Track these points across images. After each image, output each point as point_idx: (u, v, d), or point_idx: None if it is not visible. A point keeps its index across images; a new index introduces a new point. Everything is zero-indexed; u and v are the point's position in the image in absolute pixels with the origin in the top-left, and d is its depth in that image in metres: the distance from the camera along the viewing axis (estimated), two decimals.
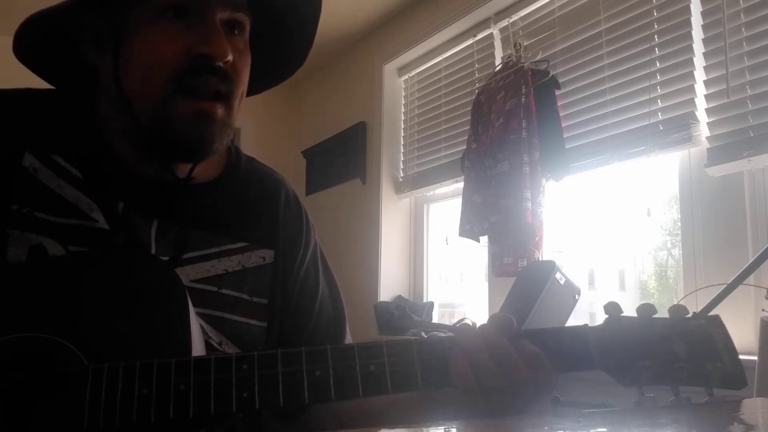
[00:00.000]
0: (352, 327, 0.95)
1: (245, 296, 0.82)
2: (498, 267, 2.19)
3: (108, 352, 0.60)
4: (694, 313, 0.62)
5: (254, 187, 0.89)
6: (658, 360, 0.59)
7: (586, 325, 0.62)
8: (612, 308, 0.63)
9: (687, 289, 1.79)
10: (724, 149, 1.66)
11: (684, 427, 0.51)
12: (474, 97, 2.45)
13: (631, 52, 1.94)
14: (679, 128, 1.77)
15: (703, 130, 1.74)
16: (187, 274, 0.77)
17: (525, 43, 2.31)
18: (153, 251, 0.76)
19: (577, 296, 1.85)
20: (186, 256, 0.78)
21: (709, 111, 1.72)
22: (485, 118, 2.32)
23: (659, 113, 1.84)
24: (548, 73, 2.15)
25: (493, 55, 2.53)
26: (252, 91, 0.82)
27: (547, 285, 1.79)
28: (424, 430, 0.56)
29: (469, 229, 2.34)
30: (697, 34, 1.76)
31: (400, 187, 3.02)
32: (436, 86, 2.85)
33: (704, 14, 1.75)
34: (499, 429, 0.51)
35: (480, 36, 2.59)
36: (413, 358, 0.60)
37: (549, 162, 2.10)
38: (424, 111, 2.92)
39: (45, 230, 0.72)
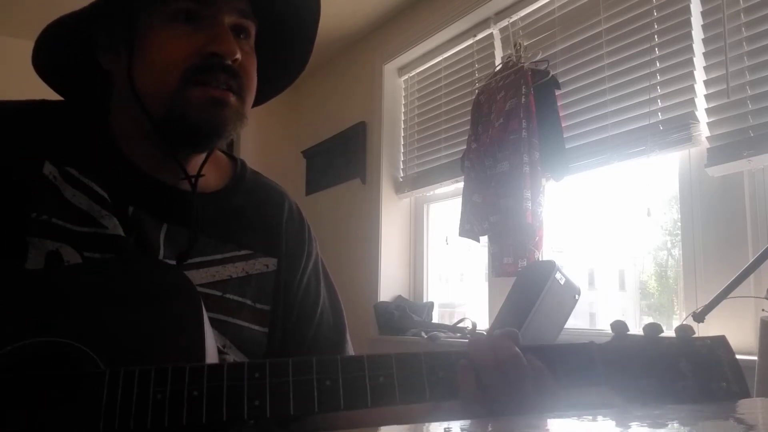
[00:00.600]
0: (352, 327, 0.98)
1: (248, 302, 0.84)
2: (498, 267, 2.19)
3: (124, 356, 0.62)
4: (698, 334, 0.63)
5: (259, 198, 0.92)
6: (664, 379, 0.60)
7: (592, 342, 0.63)
8: (618, 327, 0.64)
9: (687, 289, 1.79)
10: (724, 149, 1.67)
11: (684, 427, 0.51)
12: (474, 97, 2.45)
13: (631, 52, 1.94)
14: (679, 128, 1.77)
15: (703, 130, 1.74)
16: (192, 278, 0.78)
17: (525, 43, 2.32)
18: (161, 254, 0.79)
19: (577, 296, 1.85)
20: (192, 260, 0.80)
21: (709, 111, 1.72)
22: (485, 118, 2.32)
23: (659, 113, 1.84)
24: (548, 73, 2.15)
25: (493, 55, 2.53)
26: (254, 101, 0.85)
27: (547, 285, 1.79)
28: (424, 430, 0.56)
29: (469, 229, 2.34)
30: (697, 34, 1.76)
31: (400, 187, 3.02)
32: (436, 86, 2.85)
33: (704, 14, 1.75)
34: (499, 429, 0.51)
35: (480, 36, 2.59)
36: (422, 371, 0.61)
37: (549, 162, 2.10)
38: (424, 111, 2.93)
39: (62, 237, 0.74)
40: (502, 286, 2.18)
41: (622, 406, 0.59)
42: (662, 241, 2.20)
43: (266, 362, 0.59)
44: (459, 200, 2.41)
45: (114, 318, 0.65)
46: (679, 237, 1.86)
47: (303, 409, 0.58)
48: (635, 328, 0.63)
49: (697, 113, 1.75)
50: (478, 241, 2.36)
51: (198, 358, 0.64)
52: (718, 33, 1.70)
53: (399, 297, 2.93)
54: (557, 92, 2.15)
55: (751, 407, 0.62)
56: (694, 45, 1.76)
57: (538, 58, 2.22)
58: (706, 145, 1.72)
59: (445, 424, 0.52)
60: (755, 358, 1.24)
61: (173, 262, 0.79)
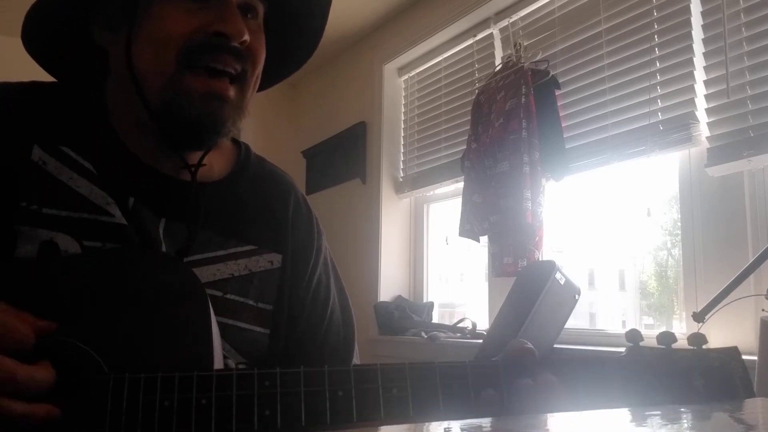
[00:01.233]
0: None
1: (250, 302, 0.80)
2: (498, 267, 2.19)
3: (127, 357, 0.59)
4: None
5: (264, 188, 0.87)
6: (678, 394, 0.60)
7: (608, 358, 0.62)
8: (633, 336, 0.63)
9: (687, 289, 1.79)
10: (724, 149, 1.66)
11: (684, 426, 0.51)
12: (474, 97, 2.45)
13: (631, 52, 1.93)
14: (679, 128, 1.77)
15: (703, 130, 1.74)
16: None
17: (525, 43, 2.31)
18: (162, 249, 0.75)
19: (577, 296, 1.84)
20: (193, 258, 0.76)
21: (709, 111, 1.72)
22: (485, 118, 2.32)
23: (659, 113, 1.84)
24: (548, 73, 2.14)
25: (493, 55, 2.53)
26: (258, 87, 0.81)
27: (547, 285, 1.79)
28: (424, 429, 0.56)
29: (469, 229, 2.34)
30: (697, 34, 1.76)
31: (400, 187, 3.02)
32: (436, 86, 2.85)
33: (704, 14, 1.75)
34: (499, 429, 0.51)
35: (480, 36, 2.59)
36: (436, 383, 0.59)
37: (549, 162, 2.10)
38: (424, 111, 2.92)
39: (57, 225, 0.70)
40: (502, 286, 2.18)
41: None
42: (662, 241, 2.20)
43: (277, 372, 0.57)
44: (459, 200, 2.41)
45: (118, 317, 0.61)
46: (679, 237, 1.86)
47: (315, 421, 0.56)
48: (636, 328, 0.62)
49: (697, 113, 1.74)
50: (478, 241, 2.36)
51: (206, 364, 0.61)
52: (718, 33, 1.70)
53: (399, 297, 2.93)
54: (557, 92, 2.15)
55: (751, 407, 0.62)
56: (694, 45, 1.76)
57: (538, 58, 2.22)
58: (706, 145, 1.72)
59: (445, 424, 0.52)
60: (755, 358, 1.24)
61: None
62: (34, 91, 0.78)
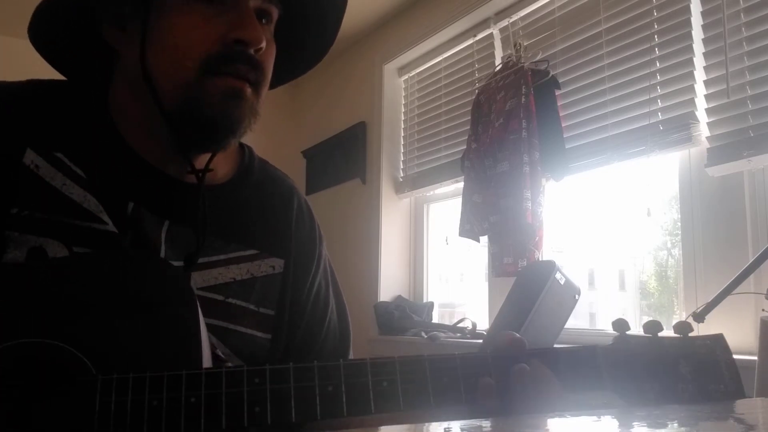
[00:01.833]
0: (352, 327, 0.94)
1: (252, 306, 0.79)
2: (498, 267, 2.19)
3: (114, 358, 0.58)
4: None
5: (267, 192, 0.87)
6: (665, 381, 0.61)
7: (597, 347, 0.63)
8: (620, 325, 0.64)
9: (687, 289, 1.79)
10: (724, 149, 1.66)
11: (684, 427, 0.51)
12: (474, 97, 2.45)
13: (631, 52, 1.94)
14: (679, 128, 1.77)
15: (703, 130, 1.74)
16: (194, 281, 0.75)
17: (525, 43, 2.32)
18: (163, 254, 0.73)
19: (577, 296, 1.84)
20: (201, 261, 0.75)
21: (709, 111, 1.72)
22: (485, 118, 2.32)
23: (659, 113, 1.84)
24: (548, 73, 2.15)
25: (493, 55, 2.53)
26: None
27: (547, 285, 1.79)
28: (424, 430, 0.56)
29: (469, 229, 2.34)
30: (697, 34, 1.76)
31: (400, 187, 3.02)
32: (436, 86, 2.85)
33: (704, 14, 1.75)
34: (499, 429, 0.51)
35: (480, 36, 2.59)
36: (426, 376, 0.59)
37: (549, 162, 2.10)
38: (424, 111, 2.92)
39: (47, 231, 0.69)
40: (502, 286, 2.18)
41: (624, 407, 0.60)
42: (662, 241, 2.20)
43: (266, 368, 0.57)
44: (459, 200, 2.41)
45: (106, 319, 0.61)
46: (679, 237, 1.86)
47: (305, 416, 0.56)
48: (635, 329, 0.63)
49: (697, 113, 1.74)
50: (478, 241, 2.36)
51: (194, 363, 0.61)
52: (718, 33, 1.70)
53: (399, 297, 2.93)
54: (557, 92, 2.15)
55: (751, 407, 0.62)
56: (694, 45, 1.76)
57: (538, 58, 2.22)
58: (706, 145, 1.72)
59: (445, 424, 0.52)
60: (755, 358, 1.24)
61: (179, 264, 0.73)
62: (31, 91, 0.77)
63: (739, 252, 1.63)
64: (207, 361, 0.65)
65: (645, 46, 1.89)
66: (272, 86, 0.82)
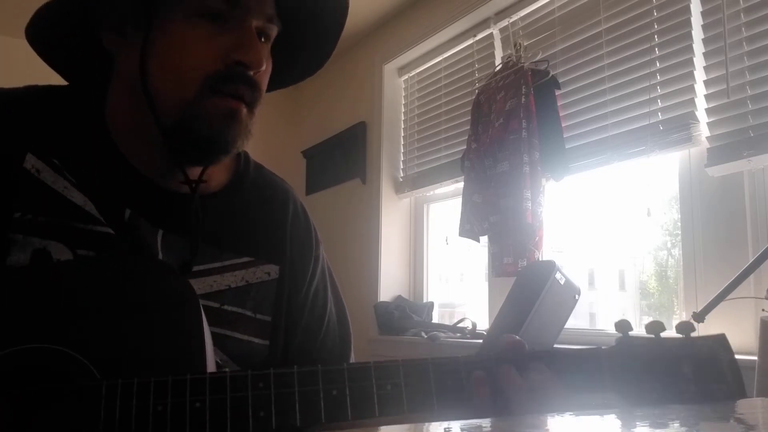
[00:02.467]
0: (352, 327, 0.95)
1: (248, 313, 0.80)
2: (498, 267, 2.19)
3: (118, 363, 0.59)
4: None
5: (262, 198, 0.87)
6: (666, 382, 0.61)
7: (600, 349, 0.63)
8: (622, 326, 0.64)
9: (687, 289, 1.79)
10: (724, 149, 1.67)
11: (684, 427, 0.51)
12: (474, 97, 2.45)
13: (631, 52, 1.94)
14: (679, 128, 1.77)
15: (703, 130, 1.74)
16: None
17: (525, 43, 2.32)
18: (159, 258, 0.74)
19: (577, 296, 1.84)
20: (197, 269, 0.76)
21: (709, 111, 1.72)
22: (485, 118, 2.32)
23: (659, 113, 1.84)
24: (548, 73, 2.15)
25: (493, 55, 2.53)
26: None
27: (547, 285, 1.79)
28: (424, 430, 0.56)
29: (469, 229, 2.34)
30: (697, 34, 1.76)
31: (400, 187, 3.02)
32: (436, 86, 2.85)
33: (704, 14, 1.75)
34: (499, 429, 0.51)
35: (480, 36, 2.59)
36: (429, 379, 0.60)
37: (549, 162, 2.10)
38: (424, 111, 2.93)
39: (50, 234, 0.69)
40: (502, 286, 2.18)
41: (625, 408, 0.60)
42: (662, 241, 2.20)
43: (270, 372, 0.57)
44: (459, 200, 2.41)
45: (110, 324, 0.61)
46: (679, 237, 1.86)
47: (309, 420, 0.56)
48: (636, 328, 0.63)
49: (697, 113, 1.74)
50: (478, 241, 2.36)
51: (198, 366, 0.61)
52: (718, 33, 1.70)
53: (399, 297, 2.93)
54: (557, 92, 2.15)
55: (751, 407, 0.62)
56: (694, 45, 1.76)
57: (538, 58, 2.22)
58: (706, 145, 1.72)
59: (445, 424, 0.52)
60: (755, 358, 1.24)
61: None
62: (30, 97, 0.77)
63: (739, 252, 1.63)
64: (211, 365, 0.65)
65: (645, 46, 1.89)
66: (269, 90, 0.83)
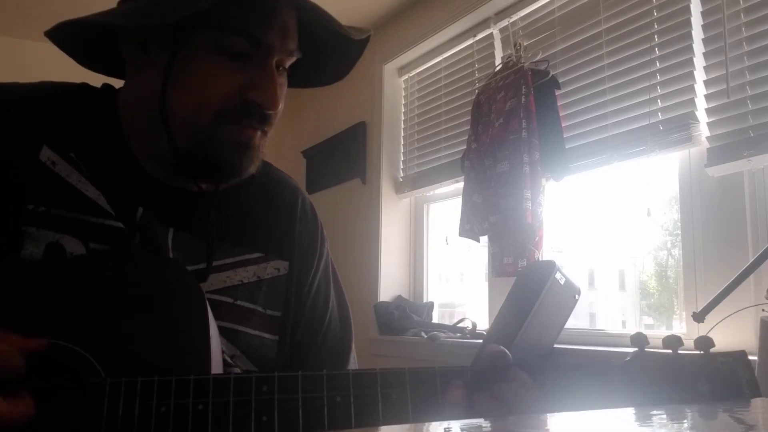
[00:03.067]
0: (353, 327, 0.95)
1: (259, 308, 0.80)
2: (498, 267, 2.19)
3: (123, 359, 0.59)
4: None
5: (271, 194, 0.88)
6: (684, 400, 0.59)
7: (613, 363, 0.61)
8: (638, 341, 0.62)
9: (687, 289, 1.79)
10: (724, 149, 1.66)
11: (684, 427, 0.51)
12: (474, 97, 2.45)
13: (631, 52, 1.93)
14: (679, 128, 1.77)
15: (703, 130, 1.74)
16: (204, 284, 0.76)
17: (525, 43, 2.31)
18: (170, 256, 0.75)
19: (577, 296, 1.84)
20: (201, 266, 0.76)
21: (709, 111, 1.72)
22: (485, 118, 2.32)
23: (659, 113, 1.84)
24: (548, 73, 2.14)
25: (493, 55, 2.53)
26: None
27: (547, 285, 1.79)
28: (424, 430, 0.56)
29: (469, 229, 2.34)
30: (697, 34, 1.76)
31: (400, 187, 3.02)
32: (436, 86, 2.85)
33: (704, 14, 1.75)
34: (499, 429, 0.51)
35: (480, 36, 2.59)
36: (436, 388, 0.59)
37: (549, 162, 2.10)
38: (424, 111, 2.92)
39: (64, 227, 0.70)
40: (502, 286, 2.18)
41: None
42: (662, 241, 2.20)
43: (275, 376, 0.57)
44: (459, 200, 2.41)
45: (117, 319, 0.61)
46: (679, 237, 1.86)
47: (312, 426, 0.56)
48: (636, 328, 0.62)
49: (697, 113, 1.74)
50: (478, 241, 2.35)
51: (203, 367, 0.61)
52: (718, 33, 1.70)
53: (399, 297, 2.93)
54: (557, 92, 2.15)
55: (751, 407, 0.62)
56: (694, 45, 1.76)
57: (538, 58, 2.22)
58: (706, 145, 1.72)
59: (445, 424, 0.52)
60: (755, 358, 1.24)
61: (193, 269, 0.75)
62: (45, 91, 0.78)
63: (739, 252, 1.63)
64: (217, 364, 0.65)
65: (645, 46, 1.89)
66: None
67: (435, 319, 2.78)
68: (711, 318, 1.37)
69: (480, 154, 2.28)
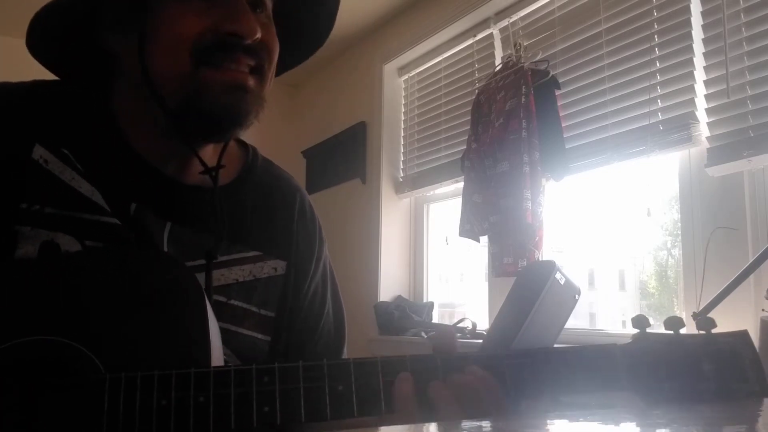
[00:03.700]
0: (351, 327, 0.95)
1: (253, 308, 0.79)
2: (498, 267, 2.19)
3: (123, 356, 0.58)
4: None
5: (270, 193, 0.86)
6: (686, 381, 0.58)
7: (615, 345, 0.61)
8: (640, 322, 0.61)
9: (687, 289, 1.79)
10: (724, 149, 1.66)
11: (683, 426, 0.51)
12: (474, 97, 2.45)
13: (631, 52, 1.93)
14: (679, 128, 1.77)
15: (703, 130, 1.74)
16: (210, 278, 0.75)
17: (525, 43, 2.31)
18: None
19: (577, 296, 1.84)
20: (198, 263, 0.75)
21: (709, 111, 1.72)
22: (485, 118, 2.32)
23: (659, 113, 1.84)
24: (548, 73, 2.14)
25: (493, 55, 2.53)
26: None
27: (547, 285, 1.78)
28: (424, 430, 0.56)
29: (469, 229, 2.34)
30: (697, 34, 1.76)
31: (400, 187, 3.02)
32: (436, 86, 2.85)
33: (704, 14, 1.75)
34: (499, 429, 0.51)
35: (480, 36, 2.59)
36: (438, 375, 0.59)
37: (549, 162, 2.10)
38: (424, 111, 2.92)
39: (58, 225, 0.69)
40: (502, 286, 2.18)
41: (644, 408, 0.58)
42: (662, 241, 2.20)
43: (275, 367, 0.57)
44: (459, 200, 2.41)
45: (116, 316, 0.61)
46: (679, 237, 1.86)
47: (315, 416, 0.56)
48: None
49: (697, 113, 1.74)
50: (478, 241, 2.35)
51: (204, 360, 0.61)
52: (718, 33, 1.70)
53: (399, 297, 2.93)
54: (557, 92, 2.15)
55: (750, 407, 0.62)
56: (694, 45, 1.76)
57: (538, 58, 2.22)
58: (706, 145, 1.72)
59: (445, 424, 0.52)
60: None
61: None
62: (36, 90, 0.77)
63: (739, 252, 1.63)
64: (217, 358, 0.65)
65: (645, 46, 1.89)
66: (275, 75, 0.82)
67: (435, 319, 2.78)
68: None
69: (480, 154, 2.28)
